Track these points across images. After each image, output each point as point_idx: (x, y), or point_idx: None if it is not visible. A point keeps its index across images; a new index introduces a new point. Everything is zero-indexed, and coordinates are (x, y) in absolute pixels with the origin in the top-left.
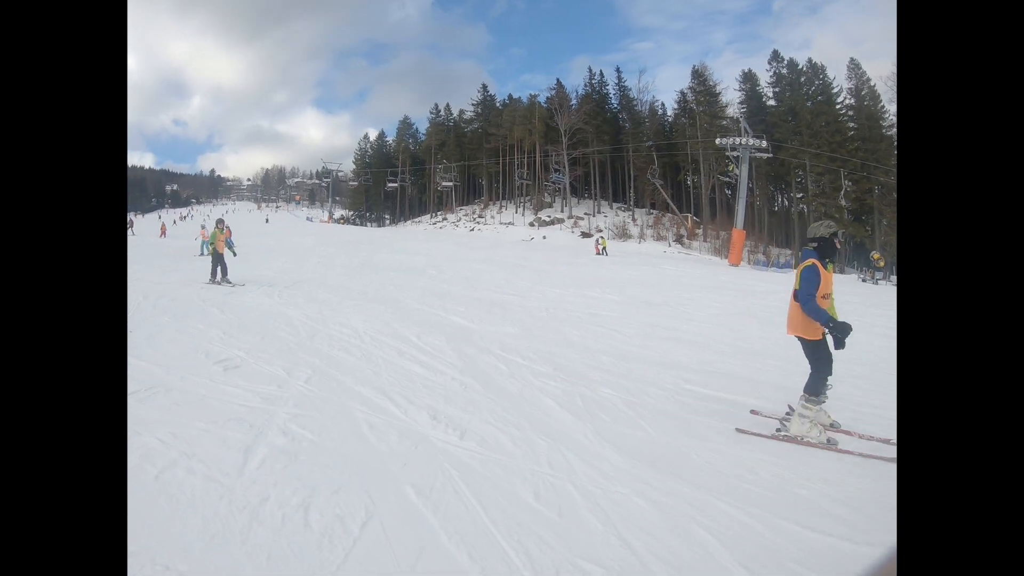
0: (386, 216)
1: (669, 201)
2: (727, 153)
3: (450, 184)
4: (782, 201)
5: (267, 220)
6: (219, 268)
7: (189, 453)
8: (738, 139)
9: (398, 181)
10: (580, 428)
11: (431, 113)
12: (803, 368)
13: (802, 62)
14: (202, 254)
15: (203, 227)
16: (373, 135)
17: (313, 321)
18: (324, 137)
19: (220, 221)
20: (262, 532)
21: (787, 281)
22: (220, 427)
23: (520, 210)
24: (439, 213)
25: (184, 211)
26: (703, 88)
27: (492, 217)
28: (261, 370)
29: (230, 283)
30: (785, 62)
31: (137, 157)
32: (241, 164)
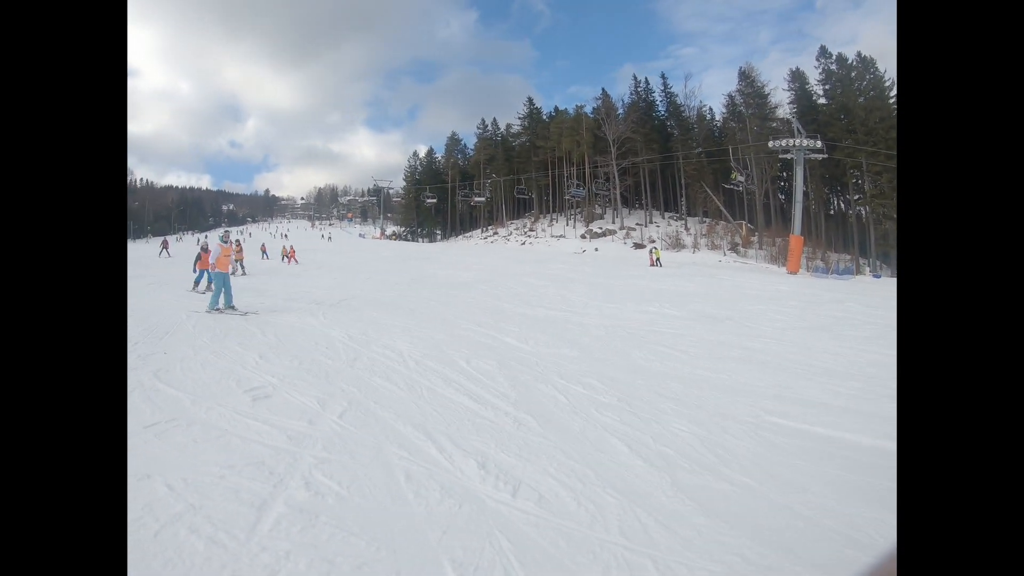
0: (437, 232)
1: (722, 208)
2: (780, 155)
3: (482, 200)
4: (838, 204)
5: (329, 238)
6: None
7: (197, 506)
8: (791, 140)
9: (452, 196)
10: (655, 479)
11: (478, 128)
12: (886, 391)
13: (851, 57)
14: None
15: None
16: (423, 152)
17: (356, 343)
18: (376, 155)
19: None
20: None
21: (851, 289)
22: (237, 473)
23: (571, 222)
24: (490, 227)
25: (282, 227)
26: (751, 90)
27: (543, 230)
28: (292, 401)
29: None
30: (834, 58)
31: (195, 179)
32: (295, 183)
